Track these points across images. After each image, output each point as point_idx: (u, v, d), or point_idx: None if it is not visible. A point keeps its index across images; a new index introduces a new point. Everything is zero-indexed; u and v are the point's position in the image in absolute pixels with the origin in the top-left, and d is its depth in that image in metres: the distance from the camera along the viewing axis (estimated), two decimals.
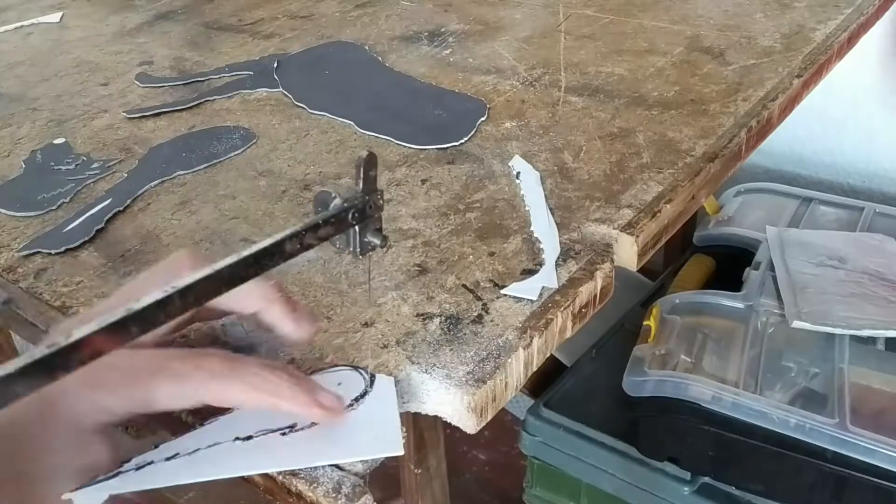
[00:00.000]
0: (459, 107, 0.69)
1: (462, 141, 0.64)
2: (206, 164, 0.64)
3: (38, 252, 0.55)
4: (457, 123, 0.67)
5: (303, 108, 0.72)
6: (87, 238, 0.56)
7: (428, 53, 0.81)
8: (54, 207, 0.60)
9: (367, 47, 0.83)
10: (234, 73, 0.80)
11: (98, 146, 0.68)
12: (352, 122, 0.68)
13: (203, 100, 0.74)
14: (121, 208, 0.59)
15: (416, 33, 0.86)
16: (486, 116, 0.67)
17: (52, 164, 0.65)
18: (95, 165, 0.65)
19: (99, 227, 0.57)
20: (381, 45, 0.83)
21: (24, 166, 0.66)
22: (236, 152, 0.65)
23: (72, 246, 0.55)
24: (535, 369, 0.45)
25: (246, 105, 0.73)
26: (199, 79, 0.79)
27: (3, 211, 0.60)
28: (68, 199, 0.61)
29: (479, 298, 0.47)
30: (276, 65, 0.80)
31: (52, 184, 0.62)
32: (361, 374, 0.42)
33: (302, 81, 0.77)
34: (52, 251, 0.55)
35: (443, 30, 0.86)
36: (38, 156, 0.67)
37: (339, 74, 0.77)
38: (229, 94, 0.75)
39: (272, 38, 0.88)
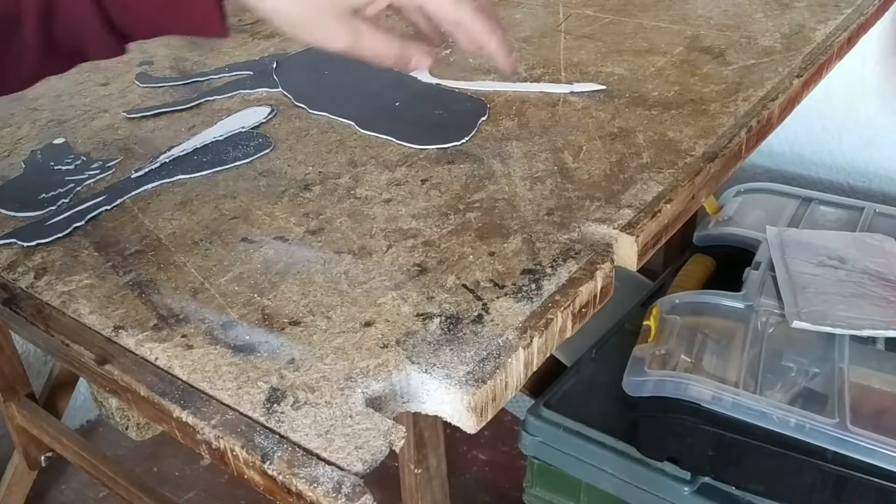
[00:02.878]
0: (460, 106, 0.69)
1: (463, 140, 0.64)
2: (211, 170, 0.63)
3: (15, 243, 0.56)
4: (458, 123, 0.67)
5: (303, 108, 0.72)
6: (60, 234, 0.56)
7: None
8: (54, 207, 0.60)
9: None
10: (234, 73, 0.80)
11: (98, 146, 0.68)
12: (352, 122, 0.68)
13: (203, 100, 0.74)
14: (108, 207, 0.59)
15: (417, 33, 0.86)
16: (486, 116, 0.67)
17: (52, 164, 0.65)
18: (95, 165, 0.65)
19: (78, 224, 0.57)
20: None
21: (23, 166, 0.66)
22: (247, 160, 0.64)
23: (44, 241, 0.55)
24: (535, 369, 0.45)
25: (246, 105, 0.73)
26: (199, 79, 0.79)
27: (3, 211, 0.60)
28: (68, 199, 0.61)
29: (479, 298, 0.47)
30: (275, 65, 0.80)
31: (52, 184, 0.62)
32: None
33: (301, 82, 0.77)
34: (25, 244, 0.55)
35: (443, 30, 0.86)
36: (38, 156, 0.67)
37: (338, 75, 0.78)
38: (229, 95, 0.75)
39: (272, 38, 0.88)
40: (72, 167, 0.65)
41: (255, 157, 0.64)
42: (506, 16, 0.88)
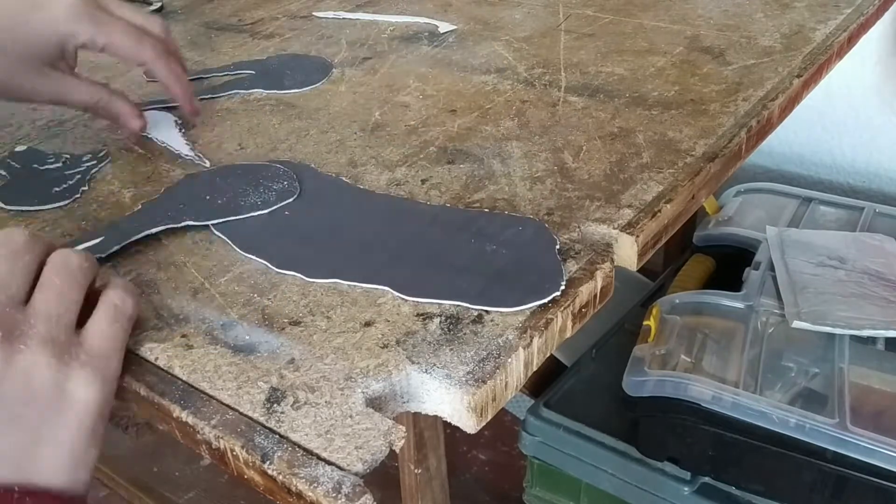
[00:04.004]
0: (510, 230, 0.51)
1: (559, 288, 0.46)
2: (220, 220, 0.55)
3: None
4: (524, 258, 0.48)
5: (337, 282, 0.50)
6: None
7: (428, 53, 0.81)
8: (72, 199, 0.60)
9: (315, 167, 0.62)
10: (236, 73, 0.79)
11: (98, 146, 0.68)
12: (388, 288, 0.48)
13: (201, 98, 0.74)
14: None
15: (416, 33, 0.86)
16: (559, 244, 0.50)
17: (37, 165, 0.65)
18: (86, 159, 0.65)
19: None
20: (380, 45, 0.83)
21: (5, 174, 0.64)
22: (264, 210, 0.55)
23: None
24: (535, 369, 0.45)
25: (246, 105, 0.73)
26: (204, 76, 0.79)
27: (26, 208, 0.59)
28: (80, 193, 0.61)
29: None
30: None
31: (57, 179, 0.62)
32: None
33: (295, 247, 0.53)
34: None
35: (442, 30, 0.86)
36: (12, 163, 0.65)
37: (324, 220, 0.55)
38: (229, 94, 0.75)
39: (272, 38, 0.88)
40: (60, 164, 0.64)
41: (276, 206, 0.56)
42: (506, 16, 0.88)
